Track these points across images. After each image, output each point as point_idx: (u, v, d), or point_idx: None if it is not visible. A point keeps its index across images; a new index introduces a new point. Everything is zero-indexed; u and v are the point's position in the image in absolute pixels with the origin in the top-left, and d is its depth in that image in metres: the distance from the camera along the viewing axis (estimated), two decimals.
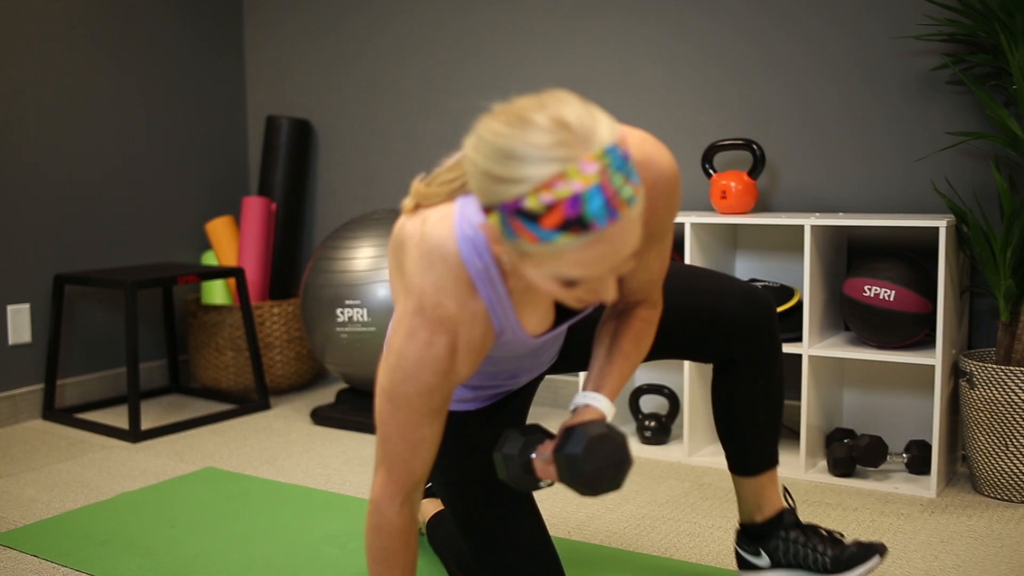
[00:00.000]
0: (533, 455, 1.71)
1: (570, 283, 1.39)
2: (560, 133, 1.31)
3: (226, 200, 4.47)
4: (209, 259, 4.22)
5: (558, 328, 1.78)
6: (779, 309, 3.03)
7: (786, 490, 2.21)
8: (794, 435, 3.33)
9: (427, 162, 4.04)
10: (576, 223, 1.30)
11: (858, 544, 2.06)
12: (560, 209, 1.30)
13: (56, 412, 3.76)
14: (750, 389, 2.06)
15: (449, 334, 1.56)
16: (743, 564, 2.15)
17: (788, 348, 2.98)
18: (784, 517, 2.11)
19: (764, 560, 2.11)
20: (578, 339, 2.04)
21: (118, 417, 3.82)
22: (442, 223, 1.57)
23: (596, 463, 1.62)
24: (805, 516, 2.66)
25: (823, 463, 3.07)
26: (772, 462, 2.12)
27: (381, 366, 1.63)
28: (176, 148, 4.26)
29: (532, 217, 1.31)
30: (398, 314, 1.60)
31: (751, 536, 2.14)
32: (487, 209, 1.37)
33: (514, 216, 1.33)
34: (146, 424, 3.69)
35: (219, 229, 4.14)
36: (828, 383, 3.10)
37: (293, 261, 4.30)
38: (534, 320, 1.71)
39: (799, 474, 2.98)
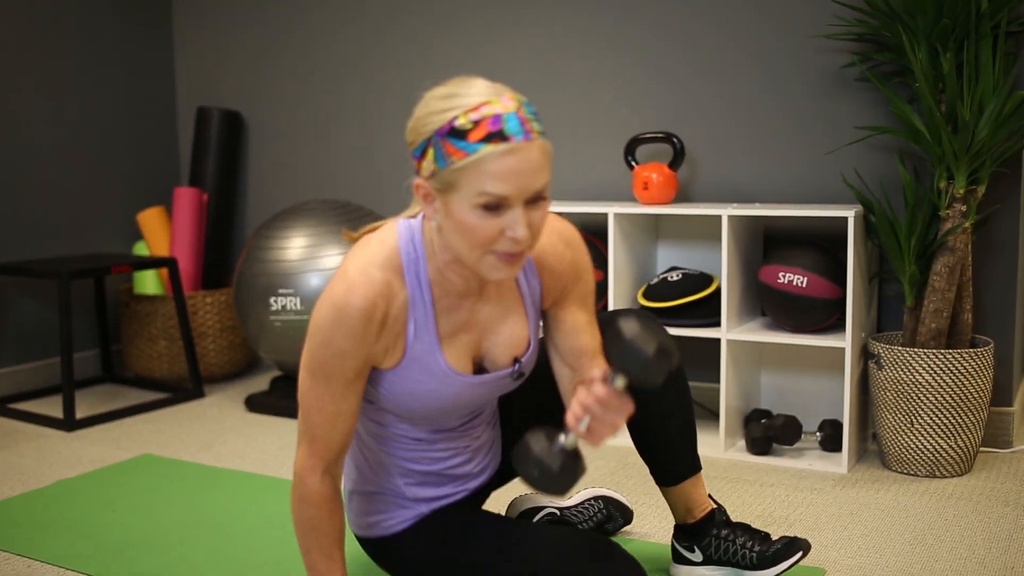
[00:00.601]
0: (562, 438, 1.65)
1: (490, 209, 1.60)
2: (490, 85, 1.66)
3: (157, 191, 4.50)
4: (141, 249, 4.25)
5: (481, 377, 1.86)
6: (698, 296, 3.16)
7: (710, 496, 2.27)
8: (713, 416, 3.48)
9: (356, 152, 4.11)
10: (497, 135, 1.59)
11: (783, 540, 2.14)
12: (484, 124, 1.59)
13: None
14: (657, 407, 2.12)
15: (367, 298, 1.70)
16: (678, 558, 2.24)
17: (707, 333, 3.12)
18: (715, 516, 2.20)
19: (697, 555, 2.20)
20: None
21: (52, 407, 3.84)
22: (384, 228, 1.82)
23: (653, 340, 1.60)
24: (724, 493, 2.80)
25: (741, 443, 3.22)
26: (693, 470, 2.18)
27: (306, 340, 1.76)
28: (106, 139, 4.28)
29: (462, 134, 1.59)
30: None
31: (685, 533, 2.22)
32: (422, 153, 1.65)
33: (445, 138, 1.60)
34: (80, 413, 3.73)
35: (151, 219, 4.18)
36: (746, 366, 3.25)
37: (225, 251, 4.35)
38: (453, 354, 1.83)
39: (719, 453, 3.12)
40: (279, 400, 3.66)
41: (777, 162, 3.34)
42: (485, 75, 3.79)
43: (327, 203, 3.64)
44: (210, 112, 4.26)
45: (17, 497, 2.83)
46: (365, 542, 2.08)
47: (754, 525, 2.56)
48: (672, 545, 2.25)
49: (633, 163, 3.38)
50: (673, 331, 3.17)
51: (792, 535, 2.23)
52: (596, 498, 2.49)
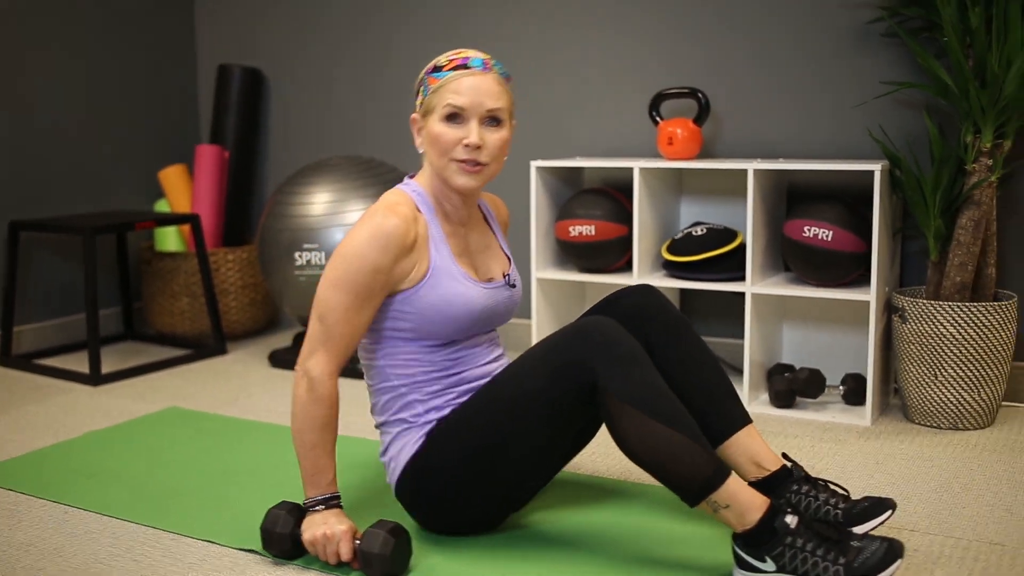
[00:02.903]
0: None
1: (452, 119, 2.06)
2: (475, 51, 2.13)
3: (178, 149, 4.51)
4: (162, 207, 4.26)
5: (488, 284, 2.19)
6: (722, 250, 3.18)
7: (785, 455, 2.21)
8: (737, 371, 3.50)
9: (378, 109, 4.12)
10: (462, 66, 2.08)
11: (869, 499, 2.09)
12: (455, 61, 2.09)
13: (13, 358, 3.81)
14: (679, 362, 2.18)
15: (403, 221, 2.05)
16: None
17: (732, 287, 3.13)
18: (792, 472, 2.14)
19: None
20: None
21: (76, 362, 3.87)
22: (386, 192, 2.19)
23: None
24: None
25: (765, 396, 3.24)
26: (744, 419, 2.18)
27: (329, 264, 2.06)
28: (127, 97, 4.28)
29: (440, 68, 2.10)
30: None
31: (761, 486, 2.12)
32: (416, 93, 2.14)
33: (429, 74, 2.11)
34: (105, 369, 3.75)
35: (172, 177, 4.19)
36: (769, 320, 3.26)
37: (246, 208, 4.36)
38: (464, 268, 2.17)
39: None
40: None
41: (801, 118, 3.34)
42: (510, 30, 3.80)
43: (350, 159, 3.65)
44: (231, 69, 4.26)
45: (50, 447, 2.86)
46: (402, 493, 2.17)
47: None
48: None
49: (658, 119, 3.38)
50: (697, 285, 3.19)
51: (876, 495, 2.14)
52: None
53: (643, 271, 3.29)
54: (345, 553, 2.02)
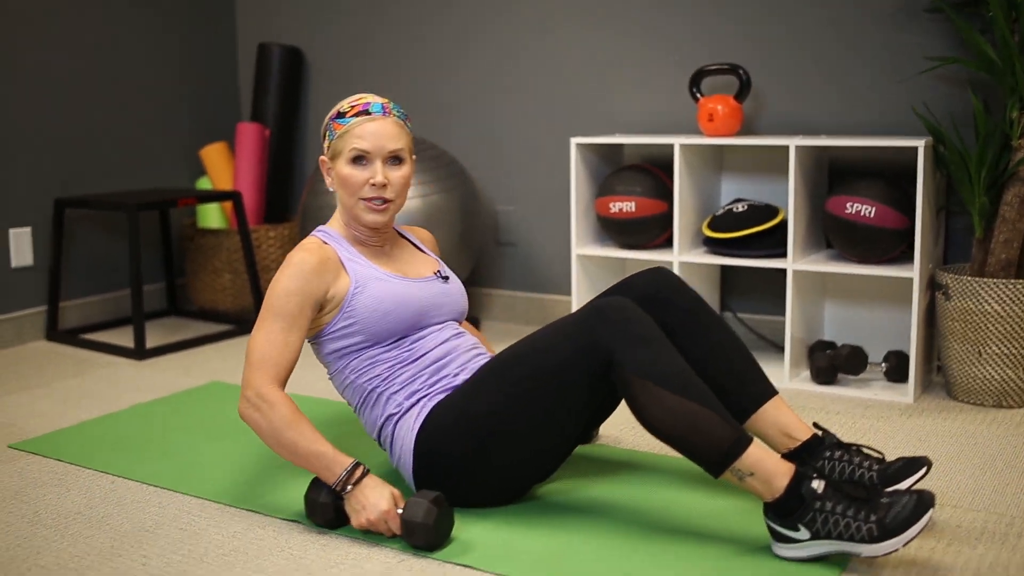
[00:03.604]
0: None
1: (358, 161, 2.21)
2: (376, 96, 2.30)
3: (218, 127, 4.54)
4: (204, 184, 4.30)
5: (418, 279, 2.31)
6: (764, 227, 3.17)
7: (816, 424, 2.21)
8: (778, 348, 3.49)
9: (417, 86, 4.13)
10: (364, 112, 2.23)
11: (903, 460, 2.09)
12: (357, 107, 2.24)
13: (59, 333, 3.86)
14: (699, 343, 2.21)
15: (307, 250, 2.20)
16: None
17: (774, 264, 3.12)
18: (824, 439, 2.14)
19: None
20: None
21: (121, 337, 3.92)
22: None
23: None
24: None
25: (806, 373, 3.23)
26: (771, 391, 2.19)
27: (258, 318, 2.19)
28: (168, 75, 4.32)
29: (343, 114, 2.24)
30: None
31: (793, 457, 2.12)
32: (323, 138, 2.29)
33: (334, 119, 2.25)
34: (149, 344, 3.80)
35: (214, 155, 4.22)
36: (810, 297, 3.25)
37: (287, 186, 4.39)
38: (397, 270, 2.31)
39: (783, 383, 3.14)
40: None
41: (842, 94, 3.32)
42: (551, 13, 3.79)
43: None
44: (271, 48, 4.28)
45: (97, 419, 2.90)
46: (420, 481, 2.19)
47: None
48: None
49: (698, 95, 3.37)
50: (738, 262, 3.18)
51: (908, 456, 2.14)
52: None
53: (683, 247, 3.28)
54: (395, 528, 2.04)
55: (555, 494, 2.30)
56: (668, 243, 3.45)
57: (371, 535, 2.09)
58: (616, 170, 3.43)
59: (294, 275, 2.16)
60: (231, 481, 2.42)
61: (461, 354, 2.27)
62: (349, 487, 2.06)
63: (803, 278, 3.17)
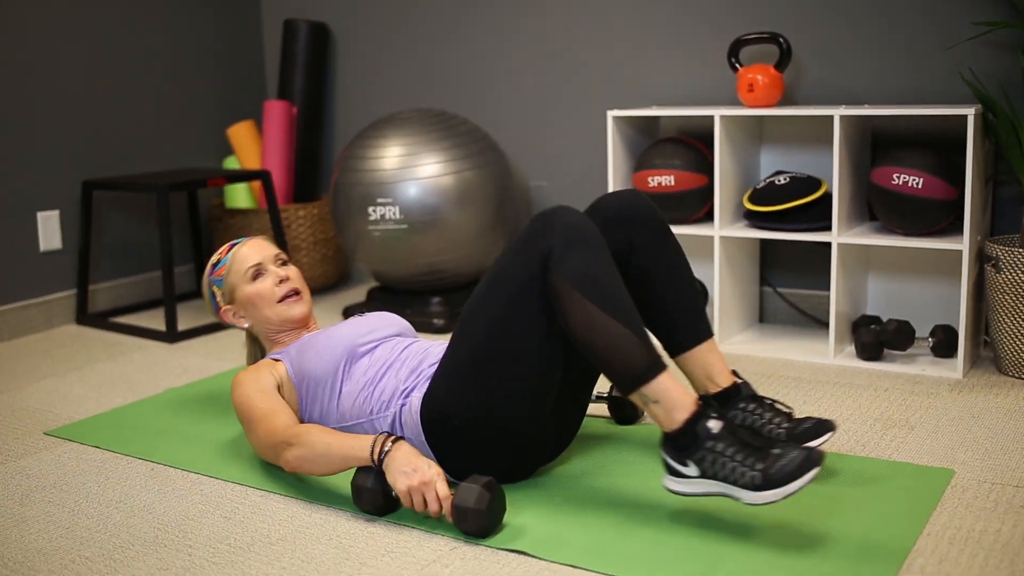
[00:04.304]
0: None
1: (257, 276, 2.47)
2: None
3: (244, 105, 4.49)
4: (231, 164, 4.25)
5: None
6: (807, 199, 3.09)
7: (735, 372, 2.28)
8: (822, 324, 3.42)
9: (445, 62, 4.06)
10: (232, 247, 2.51)
11: (812, 420, 2.15)
12: (224, 250, 2.52)
13: (89, 316, 3.83)
14: (663, 275, 2.23)
15: (249, 367, 2.38)
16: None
17: (818, 237, 3.05)
18: (741, 389, 2.22)
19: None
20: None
21: (152, 320, 3.88)
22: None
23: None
24: (837, 397, 2.76)
25: (850, 348, 3.17)
26: (707, 333, 2.24)
27: (243, 421, 2.31)
28: (193, 54, 4.26)
29: (217, 262, 2.52)
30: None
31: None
32: (212, 297, 2.53)
33: (214, 270, 2.52)
34: (180, 326, 3.76)
35: (241, 134, 4.17)
36: (854, 270, 3.18)
37: (315, 164, 4.33)
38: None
39: (828, 359, 3.07)
40: (378, 309, 3.65)
41: (885, 61, 3.23)
42: None
43: (423, 112, 3.60)
44: (297, 24, 4.22)
45: (132, 404, 2.87)
46: (437, 445, 2.16)
47: (873, 427, 2.52)
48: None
49: (737, 65, 3.29)
50: (781, 236, 3.11)
51: (817, 417, 2.24)
52: None
53: (724, 221, 3.21)
54: (443, 492, 1.97)
55: (604, 478, 2.25)
56: (708, 217, 3.38)
57: (418, 520, 2.05)
58: (654, 143, 3.36)
59: (246, 381, 2.31)
60: (271, 468, 2.38)
61: (412, 346, 2.33)
62: (388, 445, 2.01)
63: (847, 251, 3.10)
